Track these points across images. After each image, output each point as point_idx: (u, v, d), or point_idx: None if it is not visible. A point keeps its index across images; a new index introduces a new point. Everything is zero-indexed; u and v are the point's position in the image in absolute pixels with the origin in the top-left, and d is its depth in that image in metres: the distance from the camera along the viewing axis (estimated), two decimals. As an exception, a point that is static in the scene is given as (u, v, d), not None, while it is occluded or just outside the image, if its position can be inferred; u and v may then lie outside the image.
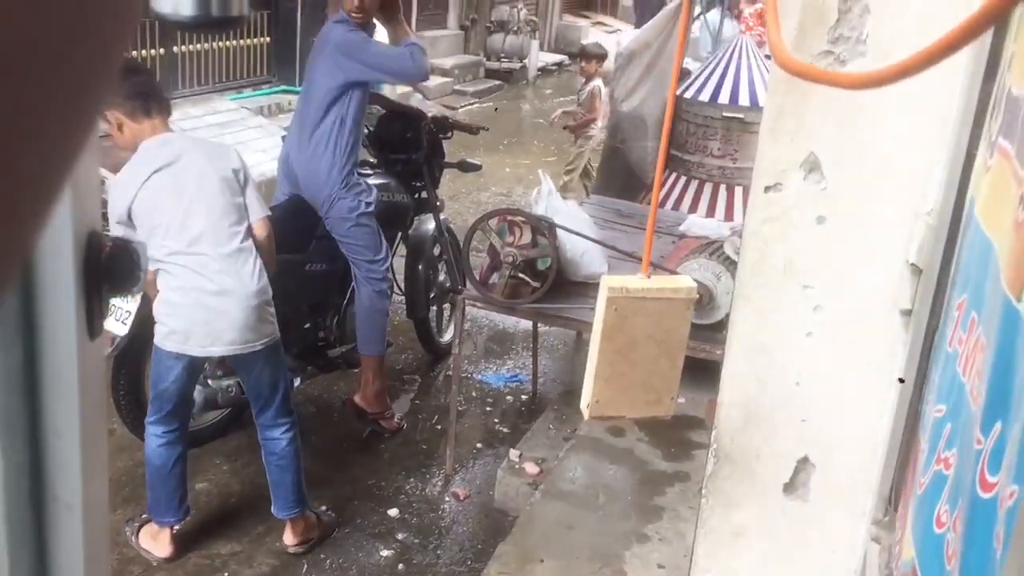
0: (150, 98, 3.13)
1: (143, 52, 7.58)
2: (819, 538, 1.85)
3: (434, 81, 12.79)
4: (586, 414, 1.49)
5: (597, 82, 7.10)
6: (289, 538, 3.48)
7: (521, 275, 3.87)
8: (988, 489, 0.95)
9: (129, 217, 3.06)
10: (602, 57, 7.25)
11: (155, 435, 3.27)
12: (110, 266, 0.70)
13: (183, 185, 3.06)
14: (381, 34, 4.81)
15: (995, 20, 0.58)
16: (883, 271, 1.72)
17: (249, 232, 3.16)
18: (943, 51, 0.57)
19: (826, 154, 1.72)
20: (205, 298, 3.05)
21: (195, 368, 3.28)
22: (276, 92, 8.99)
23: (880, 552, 1.60)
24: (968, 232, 1.36)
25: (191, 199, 3.06)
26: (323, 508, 3.68)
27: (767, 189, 1.76)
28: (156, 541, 3.38)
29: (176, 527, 3.38)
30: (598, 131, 6.97)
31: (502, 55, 14.14)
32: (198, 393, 3.75)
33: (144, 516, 3.44)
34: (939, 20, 1.35)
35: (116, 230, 3.08)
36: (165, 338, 3.14)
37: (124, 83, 2.99)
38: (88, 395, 0.67)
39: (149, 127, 3.11)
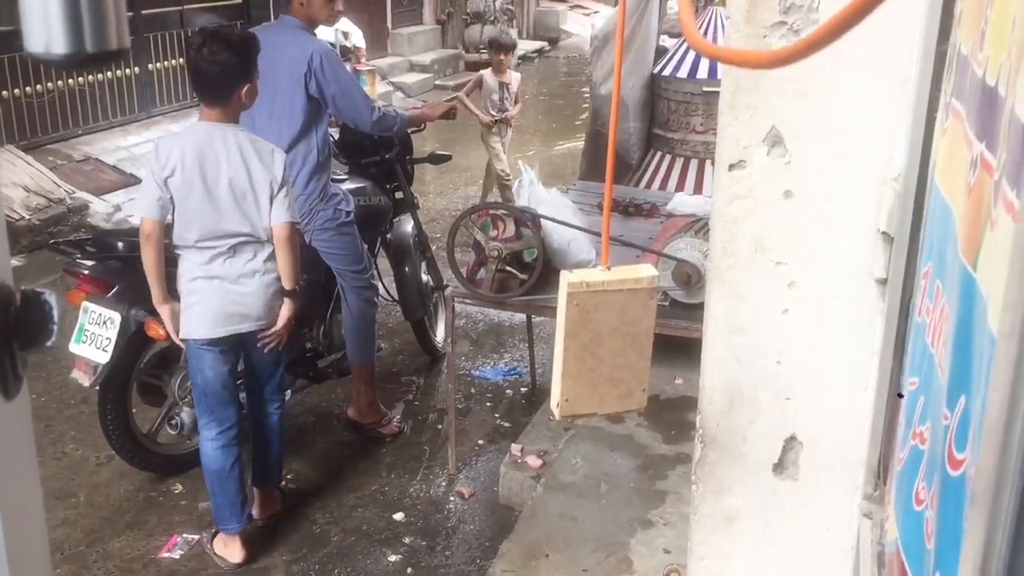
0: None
1: (117, 72, 7.55)
2: (812, 517, 1.82)
3: (413, 78, 12.75)
4: (557, 414, 1.46)
5: (517, 74, 7.15)
6: (257, 512, 3.62)
7: (508, 268, 3.84)
8: (956, 467, 0.92)
9: (166, 185, 3.10)
10: (512, 47, 7.22)
11: (208, 439, 3.34)
12: (21, 320, 0.66)
13: (206, 177, 3.07)
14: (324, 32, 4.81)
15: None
16: (855, 242, 1.68)
17: (264, 233, 3.17)
18: (846, 22, 0.53)
19: (788, 127, 1.68)
20: (226, 285, 3.16)
21: (230, 351, 3.30)
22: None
23: (872, 527, 1.57)
24: (930, 198, 1.33)
25: (206, 194, 3.07)
26: (284, 483, 3.84)
27: (731, 167, 1.72)
28: (228, 548, 3.46)
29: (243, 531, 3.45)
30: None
31: (481, 46, 14.07)
32: (187, 414, 3.73)
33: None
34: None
35: (153, 192, 3.09)
36: (192, 327, 3.19)
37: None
38: (6, 457, 0.63)
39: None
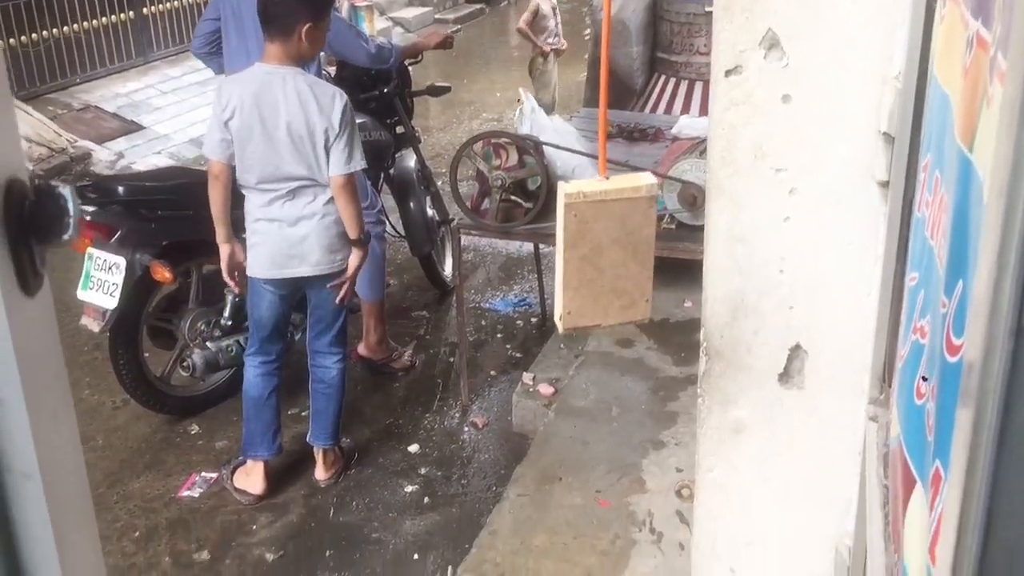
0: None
1: (112, 17, 7.45)
2: (818, 424, 1.82)
3: (412, 12, 12.55)
4: (560, 327, 1.45)
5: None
6: (321, 472, 3.59)
7: (513, 197, 3.81)
8: (954, 352, 0.91)
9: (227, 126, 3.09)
10: None
11: (252, 366, 3.41)
12: (36, 214, 0.64)
13: (264, 121, 3.05)
14: None
15: None
16: (856, 144, 1.65)
17: (323, 177, 3.13)
18: None
19: (785, 28, 1.63)
20: (285, 228, 3.15)
21: (288, 295, 3.33)
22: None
23: (878, 430, 1.56)
24: (930, 91, 1.29)
25: (265, 137, 3.05)
26: (345, 440, 3.76)
27: (727, 73, 1.68)
28: (250, 477, 3.50)
29: (270, 461, 3.49)
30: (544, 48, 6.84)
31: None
32: (198, 356, 3.75)
33: (239, 459, 3.57)
34: None
35: (217, 133, 3.10)
36: (256, 266, 3.23)
37: None
38: (30, 356, 0.61)
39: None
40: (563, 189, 1.42)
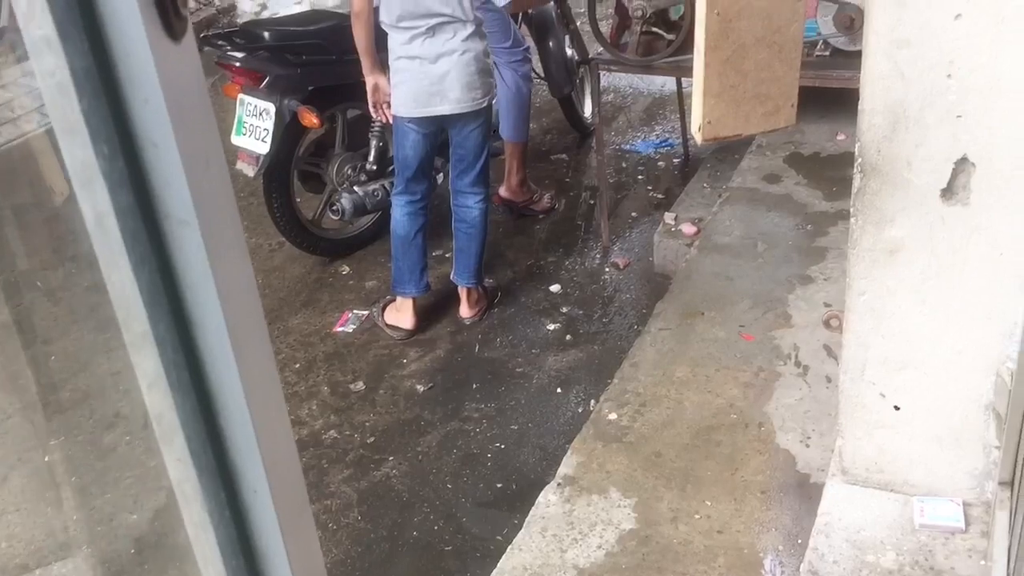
0: None
1: None
2: (985, 243, 1.70)
3: None
4: (698, 138, 1.39)
5: None
6: (465, 310, 3.68)
7: (654, 29, 3.65)
8: None
9: None
10: None
11: (399, 205, 3.50)
12: None
13: None
14: None
15: None
16: (1045, -76, 1.46)
17: (464, 13, 3.13)
18: None
19: None
20: (426, 65, 3.16)
21: (431, 134, 3.37)
22: None
23: (1052, 244, 1.45)
24: None
25: None
26: (488, 280, 3.83)
27: None
28: (400, 313, 3.64)
29: (418, 298, 3.60)
30: None
31: None
32: (346, 200, 3.85)
33: (388, 297, 3.72)
34: None
35: None
36: (400, 105, 3.27)
37: None
38: (180, 101, 0.62)
39: None
40: (707, -16, 1.32)
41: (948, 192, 1.70)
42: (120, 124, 0.60)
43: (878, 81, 1.67)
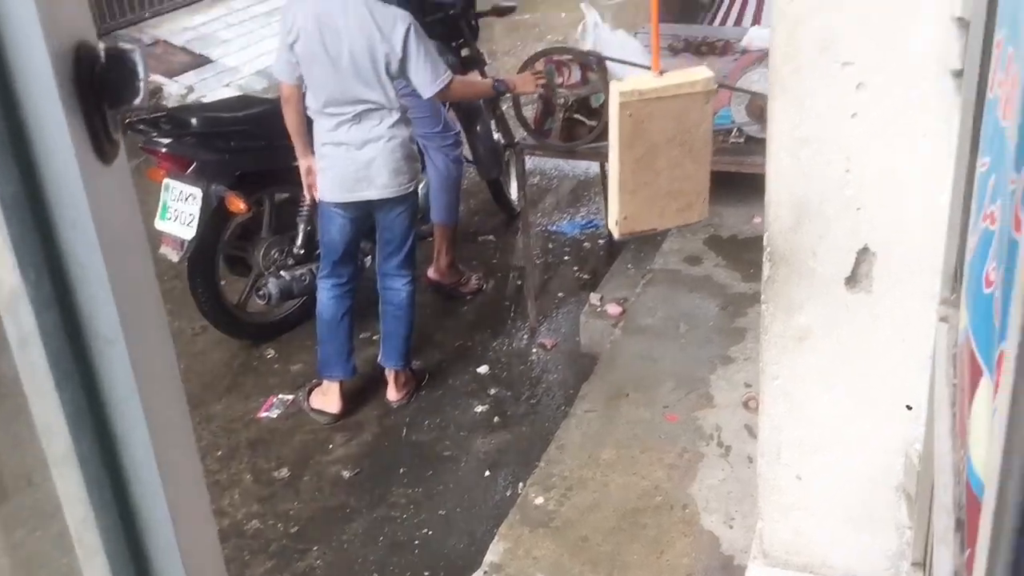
0: None
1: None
2: (888, 329, 1.77)
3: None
4: (615, 232, 1.43)
5: None
6: (392, 393, 3.65)
7: (576, 115, 3.75)
8: (1021, 229, 0.87)
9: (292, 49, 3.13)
10: None
11: (325, 289, 3.50)
12: (107, 79, 0.63)
13: (326, 46, 3.06)
14: None
15: None
16: (928, 32, 1.57)
17: (389, 101, 3.16)
18: None
19: (851, -89, 1.55)
20: (352, 151, 3.18)
21: (357, 218, 3.38)
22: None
23: (948, 331, 1.52)
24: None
25: (328, 62, 3.08)
26: (415, 362, 3.82)
27: (790, -37, 1.61)
28: (326, 397, 3.59)
29: (345, 382, 3.57)
30: None
31: None
32: (273, 284, 3.83)
33: (314, 381, 3.67)
34: None
35: (284, 55, 3.17)
36: (326, 190, 3.29)
37: None
38: (110, 224, 0.62)
39: None
40: (616, 88, 1.38)
41: (852, 280, 1.77)
42: (48, 247, 0.60)
43: (782, 177, 1.75)
